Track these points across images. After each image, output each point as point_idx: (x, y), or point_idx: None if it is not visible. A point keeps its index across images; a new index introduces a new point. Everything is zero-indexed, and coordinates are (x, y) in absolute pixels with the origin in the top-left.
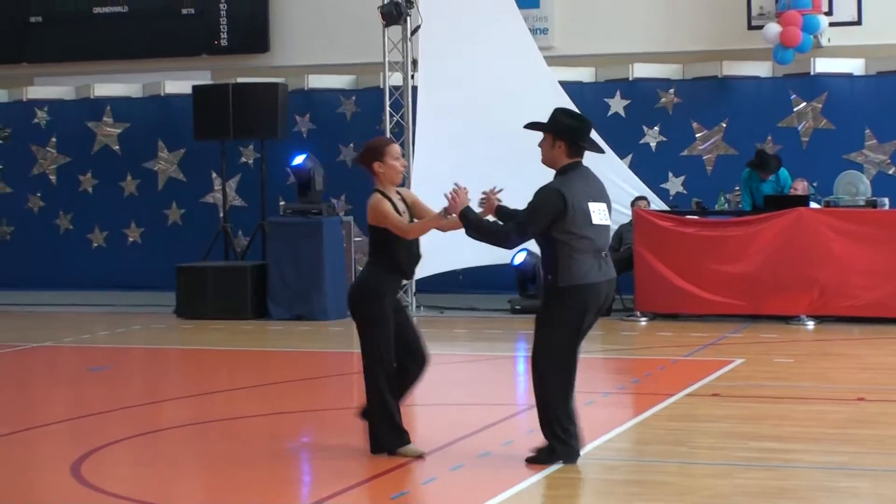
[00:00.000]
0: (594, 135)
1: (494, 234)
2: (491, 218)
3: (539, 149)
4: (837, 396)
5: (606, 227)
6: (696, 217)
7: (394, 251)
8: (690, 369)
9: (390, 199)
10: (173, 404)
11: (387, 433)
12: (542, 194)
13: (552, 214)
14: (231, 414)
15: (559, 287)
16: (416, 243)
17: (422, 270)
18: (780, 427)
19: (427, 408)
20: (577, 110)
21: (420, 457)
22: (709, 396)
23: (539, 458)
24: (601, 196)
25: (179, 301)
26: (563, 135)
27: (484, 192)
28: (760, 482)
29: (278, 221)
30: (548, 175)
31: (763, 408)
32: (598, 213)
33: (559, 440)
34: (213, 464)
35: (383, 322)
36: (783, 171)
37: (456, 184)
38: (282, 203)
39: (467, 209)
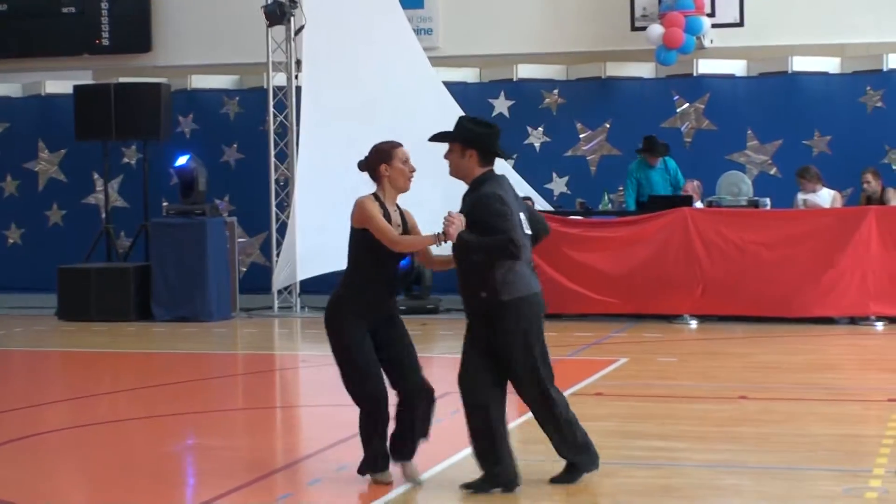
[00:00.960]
0: None
1: (498, 247)
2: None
3: (439, 158)
4: (720, 395)
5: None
6: (579, 217)
7: (379, 259)
8: (574, 369)
9: (385, 208)
10: (54, 407)
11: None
12: (489, 201)
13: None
14: (114, 417)
15: (503, 301)
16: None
17: (306, 271)
18: (665, 426)
19: (313, 409)
20: (473, 116)
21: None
22: (593, 396)
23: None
24: (520, 205)
25: (61, 303)
26: (474, 143)
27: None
28: (645, 481)
29: (161, 222)
30: (430, 177)
31: (647, 407)
32: (525, 223)
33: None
34: (95, 467)
35: (359, 338)
36: (671, 161)
37: (450, 212)
38: (165, 204)
39: (463, 233)
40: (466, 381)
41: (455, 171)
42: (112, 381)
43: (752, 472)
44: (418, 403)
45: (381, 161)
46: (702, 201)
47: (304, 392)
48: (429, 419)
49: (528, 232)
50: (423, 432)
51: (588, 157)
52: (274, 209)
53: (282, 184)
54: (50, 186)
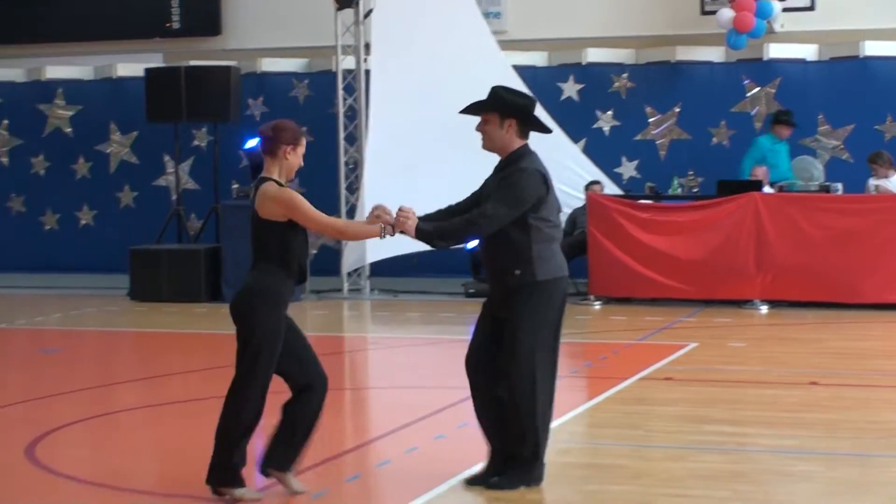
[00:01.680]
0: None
1: (461, 230)
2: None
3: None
4: (790, 380)
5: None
6: (649, 201)
7: (292, 250)
8: (644, 353)
9: None
10: (127, 387)
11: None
12: (524, 177)
13: (534, 200)
14: (185, 397)
15: (538, 281)
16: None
17: (376, 254)
18: (734, 411)
19: (382, 391)
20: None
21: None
22: (662, 380)
23: (505, 485)
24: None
25: (133, 284)
26: (515, 113)
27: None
28: (714, 465)
29: (231, 204)
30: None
31: (716, 392)
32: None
33: (538, 459)
34: (167, 446)
35: (276, 335)
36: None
37: (401, 208)
38: (235, 186)
39: (419, 225)
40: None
41: (491, 144)
42: (183, 361)
43: (821, 458)
44: (314, 397)
45: (288, 143)
46: (771, 186)
47: (372, 374)
48: (315, 420)
49: (566, 210)
50: (307, 435)
51: (658, 142)
52: (343, 191)
53: (351, 166)
54: (121, 168)
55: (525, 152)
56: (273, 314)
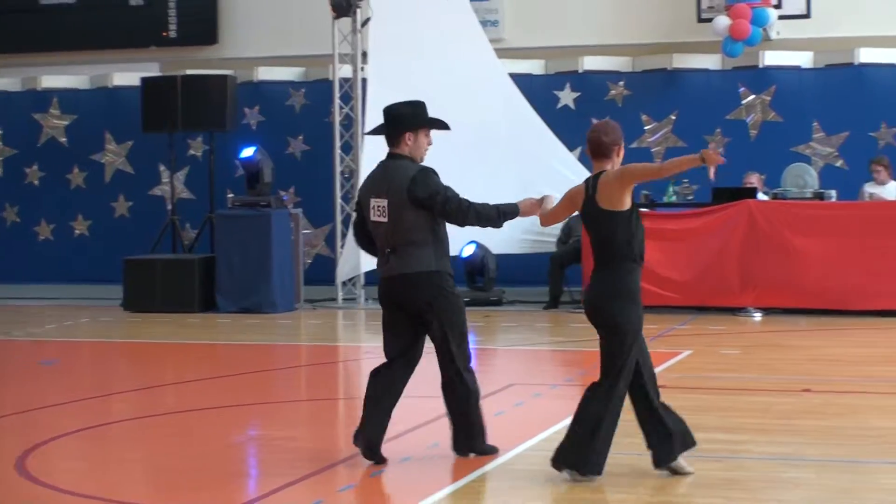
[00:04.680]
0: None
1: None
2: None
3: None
4: (783, 387)
5: (381, 224)
6: (644, 209)
7: (639, 242)
8: None
9: None
10: (121, 398)
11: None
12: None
13: None
14: (179, 407)
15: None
16: None
17: (370, 263)
18: (727, 418)
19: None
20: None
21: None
22: None
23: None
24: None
25: (127, 294)
26: (433, 124)
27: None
28: (707, 473)
29: (226, 214)
30: (496, 168)
31: (710, 399)
32: (376, 210)
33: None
34: (160, 457)
35: (639, 333)
36: None
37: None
38: (230, 196)
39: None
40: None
41: (420, 154)
42: (177, 371)
43: (814, 465)
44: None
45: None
46: (766, 193)
47: (366, 384)
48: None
49: (382, 220)
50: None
51: (653, 149)
52: (339, 201)
53: (347, 175)
54: (117, 178)
55: None
56: (638, 312)
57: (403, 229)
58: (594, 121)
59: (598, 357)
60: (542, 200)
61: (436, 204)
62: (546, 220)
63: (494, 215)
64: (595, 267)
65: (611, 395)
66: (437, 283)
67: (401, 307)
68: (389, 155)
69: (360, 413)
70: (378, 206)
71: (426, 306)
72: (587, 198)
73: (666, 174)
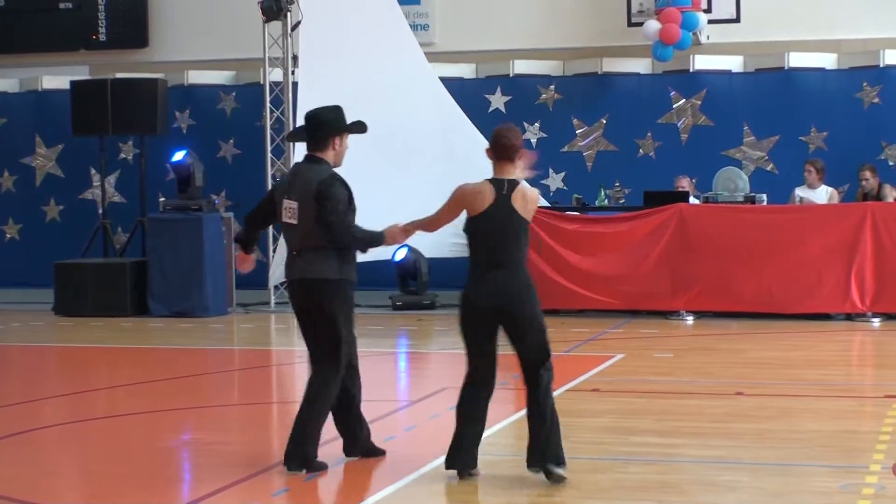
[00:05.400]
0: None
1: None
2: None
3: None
4: (716, 391)
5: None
6: (576, 213)
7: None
8: (571, 365)
9: None
10: (52, 402)
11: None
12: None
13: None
14: (110, 412)
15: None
16: None
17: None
18: (660, 422)
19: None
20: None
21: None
22: (589, 392)
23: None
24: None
25: (58, 298)
26: (354, 128)
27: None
28: (641, 476)
29: (158, 218)
30: (427, 172)
31: (643, 402)
32: (287, 211)
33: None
34: (92, 462)
35: None
36: None
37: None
38: (161, 199)
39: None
40: None
41: (343, 157)
42: (109, 376)
43: (748, 468)
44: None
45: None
46: (697, 197)
47: (300, 388)
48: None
49: (291, 221)
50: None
51: (585, 153)
52: None
53: (278, 179)
54: (47, 182)
55: None
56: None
57: (310, 233)
58: (526, 125)
59: None
60: (406, 229)
61: (323, 211)
62: (432, 226)
63: (367, 240)
64: (495, 265)
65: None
66: (335, 290)
67: (305, 310)
68: (308, 158)
69: (293, 416)
70: (289, 208)
71: (320, 311)
72: (500, 199)
73: None
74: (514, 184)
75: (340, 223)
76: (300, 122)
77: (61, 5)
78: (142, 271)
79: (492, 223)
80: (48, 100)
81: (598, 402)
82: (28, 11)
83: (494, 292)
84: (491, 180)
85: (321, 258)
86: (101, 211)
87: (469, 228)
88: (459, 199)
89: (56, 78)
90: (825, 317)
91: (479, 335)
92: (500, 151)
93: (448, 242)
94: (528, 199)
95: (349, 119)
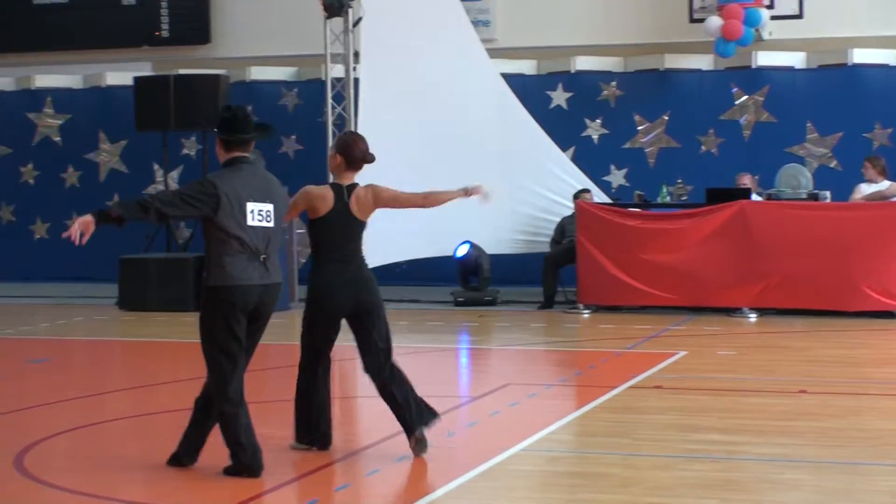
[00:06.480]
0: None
1: (137, 208)
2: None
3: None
4: (780, 389)
5: (265, 230)
6: (638, 210)
7: None
8: (633, 362)
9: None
10: (116, 396)
11: None
12: (194, 182)
13: (201, 206)
14: (173, 406)
15: (209, 286)
16: None
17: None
18: (723, 419)
19: (370, 399)
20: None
21: None
22: (652, 389)
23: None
24: (263, 196)
25: (122, 293)
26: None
27: None
28: (703, 474)
29: None
30: (489, 169)
31: (706, 400)
32: (254, 214)
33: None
34: (157, 455)
35: None
36: None
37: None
38: None
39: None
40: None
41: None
42: (172, 370)
43: (811, 466)
44: None
45: None
46: (760, 194)
47: (361, 384)
48: None
49: (264, 224)
50: None
51: (646, 150)
52: None
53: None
54: (111, 177)
55: (228, 163)
56: None
57: (280, 235)
58: (588, 121)
59: (590, 356)
60: None
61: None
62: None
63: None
64: (336, 258)
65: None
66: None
67: (261, 315)
68: (246, 159)
69: (354, 412)
70: (262, 210)
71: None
72: (340, 205)
73: (430, 206)
74: (352, 188)
75: None
76: (362, 118)
77: (124, 2)
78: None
79: (334, 226)
80: (112, 96)
81: (660, 399)
82: (92, 8)
83: (349, 284)
84: (333, 185)
85: (277, 261)
86: None
87: (312, 229)
88: (304, 199)
89: (119, 74)
90: (890, 314)
91: (331, 326)
92: (354, 162)
93: (510, 238)
94: (362, 202)
95: (407, 118)
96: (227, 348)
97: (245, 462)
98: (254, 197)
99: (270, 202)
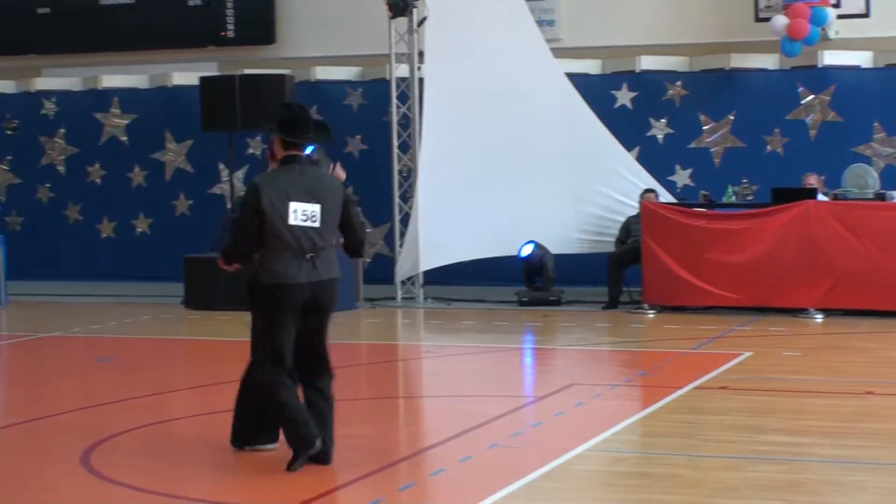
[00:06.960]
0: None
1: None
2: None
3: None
4: (846, 390)
5: (310, 229)
6: (703, 209)
7: None
8: (698, 362)
9: None
10: (182, 394)
11: None
12: (243, 206)
13: (254, 221)
14: None
15: (253, 283)
16: None
17: (429, 262)
18: (789, 420)
19: (435, 399)
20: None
21: None
22: (717, 389)
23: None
24: (309, 197)
25: (188, 292)
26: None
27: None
28: (769, 475)
29: None
30: (554, 168)
31: (771, 401)
32: (297, 214)
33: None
34: (222, 454)
35: None
36: None
37: None
38: None
39: None
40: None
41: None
42: (237, 369)
43: (877, 468)
44: None
45: None
46: (826, 194)
47: (426, 383)
48: None
49: (311, 224)
50: None
51: (712, 150)
52: (397, 200)
53: (405, 174)
54: (177, 176)
55: (282, 161)
56: None
57: (331, 234)
58: (652, 121)
59: (655, 357)
60: None
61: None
62: None
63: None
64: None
65: None
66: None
67: (317, 310)
68: (299, 158)
69: (419, 411)
70: (307, 210)
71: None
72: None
73: None
74: None
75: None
76: (426, 117)
77: (190, 2)
78: None
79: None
80: (178, 96)
81: (725, 400)
82: (157, 9)
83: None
84: None
85: (333, 258)
86: (229, 205)
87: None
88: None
89: (185, 74)
90: None
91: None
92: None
93: (574, 239)
94: None
95: (471, 118)
96: (271, 340)
97: (298, 434)
98: (299, 197)
99: (317, 202)
